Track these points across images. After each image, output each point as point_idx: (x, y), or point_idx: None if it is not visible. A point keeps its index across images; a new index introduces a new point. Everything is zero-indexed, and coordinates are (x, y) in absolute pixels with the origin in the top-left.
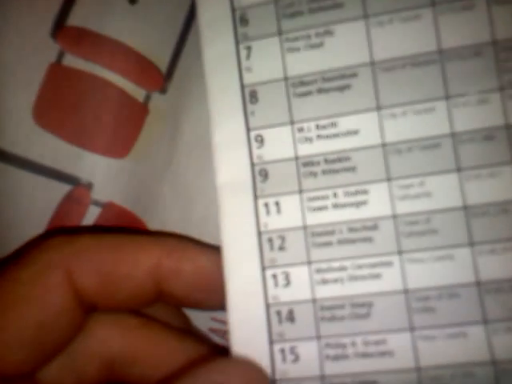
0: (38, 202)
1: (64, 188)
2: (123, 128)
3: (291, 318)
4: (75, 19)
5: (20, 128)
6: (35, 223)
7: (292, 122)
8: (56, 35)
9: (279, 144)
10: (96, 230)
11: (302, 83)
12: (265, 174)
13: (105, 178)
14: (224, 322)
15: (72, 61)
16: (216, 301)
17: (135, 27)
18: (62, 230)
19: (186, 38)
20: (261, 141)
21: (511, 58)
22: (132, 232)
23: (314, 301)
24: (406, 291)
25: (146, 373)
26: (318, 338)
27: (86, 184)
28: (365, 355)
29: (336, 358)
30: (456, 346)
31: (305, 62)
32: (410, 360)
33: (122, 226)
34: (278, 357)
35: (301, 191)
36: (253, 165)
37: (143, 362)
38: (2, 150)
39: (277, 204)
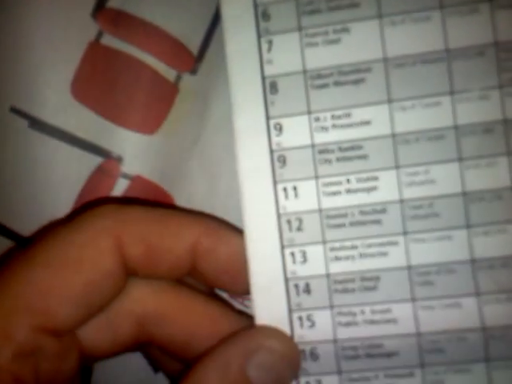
0: (71, 172)
1: (96, 160)
2: (154, 106)
3: (308, 290)
4: (114, 1)
5: (58, 101)
6: (68, 191)
7: (309, 112)
8: (96, 16)
9: (297, 132)
10: (144, 203)
11: (320, 76)
12: (283, 160)
13: (134, 152)
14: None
15: (110, 40)
16: (242, 285)
17: (169, 11)
18: (112, 199)
19: (217, 23)
20: (280, 129)
21: (510, 58)
22: (175, 208)
23: (327, 275)
24: (409, 267)
25: (175, 333)
26: (332, 307)
27: (117, 157)
28: (372, 322)
29: (347, 324)
30: (451, 315)
31: (322, 57)
32: (411, 326)
33: (151, 199)
34: (296, 323)
35: (317, 177)
36: (272, 151)
37: (173, 323)
38: (41, 121)
39: (294, 188)
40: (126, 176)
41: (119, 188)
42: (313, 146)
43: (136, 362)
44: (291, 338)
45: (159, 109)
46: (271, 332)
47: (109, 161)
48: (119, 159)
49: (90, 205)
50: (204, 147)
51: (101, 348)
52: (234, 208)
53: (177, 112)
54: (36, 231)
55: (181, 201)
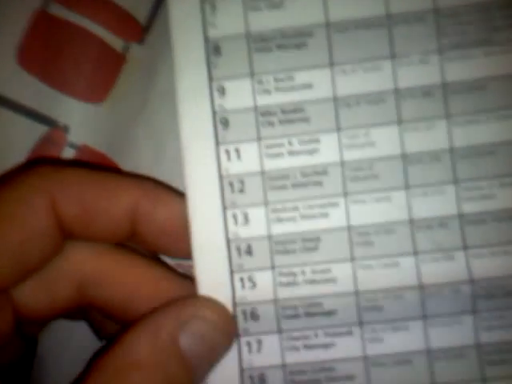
0: (16, 140)
1: (41, 129)
2: (100, 75)
3: (249, 251)
4: None
5: (4, 68)
6: (13, 159)
7: (252, 75)
8: None
9: (240, 95)
10: (79, 164)
11: (263, 39)
12: (225, 123)
13: (81, 121)
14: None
15: (57, 9)
16: (184, 248)
17: None
18: (46, 161)
19: None
20: (222, 91)
21: (449, 23)
22: (112, 171)
23: (269, 237)
24: (349, 228)
25: (115, 295)
26: (273, 268)
27: (63, 126)
28: (312, 282)
29: (288, 284)
30: (390, 274)
31: (265, 20)
32: (350, 285)
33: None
34: (237, 284)
35: (259, 139)
36: (214, 113)
37: (112, 284)
38: None
39: (237, 151)
40: (72, 145)
41: (65, 157)
42: (255, 108)
43: (81, 331)
44: (226, 308)
45: (106, 78)
46: (206, 302)
47: (55, 130)
48: (65, 128)
49: (27, 166)
50: (150, 116)
51: (38, 309)
52: (180, 175)
53: (123, 81)
54: None
55: (127, 168)
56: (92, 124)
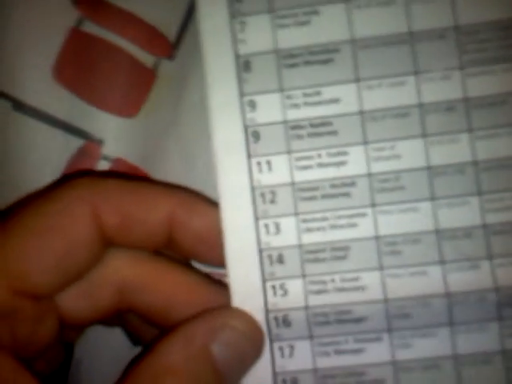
0: (53, 154)
1: (77, 142)
2: (133, 90)
3: (281, 260)
4: None
5: (40, 83)
6: (49, 172)
7: (281, 90)
8: (77, 3)
9: (270, 109)
10: (119, 175)
11: (291, 55)
12: (257, 136)
13: (115, 135)
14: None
15: (90, 27)
16: (217, 256)
17: (146, 0)
18: (84, 173)
19: (193, 10)
20: (253, 105)
21: (470, 41)
22: (150, 181)
23: (300, 246)
24: (377, 237)
25: (153, 300)
26: (303, 276)
27: (98, 140)
28: (342, 290)
29: (318, 292)
30: (417, 282)
31: (293, 37)
32: (379, 293)
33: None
34: (269, 292)
35: (289, 152)
36: (246, 127)
37: (151, 290)
38: (23, 102)
39: (268, 163)
40: (106, 158)
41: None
42: (285, 122)
43: (117, 338)
44: (255, 318)
45: (138, 93)
46: (236, 312)
47: (90, 143)
48: (100, 142)
49: (67, 178)
50: (181, 129)
51: (80, 315)
52: (210, 187)
53: (155, 96)
54: (13, 203)
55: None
56: (125, 137)
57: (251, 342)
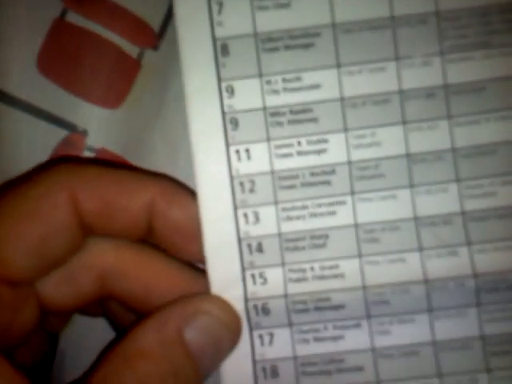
0: (37, 144)
1: (61, 133)
2: (117, 81)
3: (260, 249)
4: None
5: (24, 75)
6: (33, 163)
7: (261, 75)
8: None
9: (249, 95)
10: (99, 162)
11: (270, 39)
12: (235, 123)
13: (99, 125)
14: None
15: (74, 18)
16: (195, 250)
17: None
18: (67, 159)
19: None
20: (231, 91)
21: (451, 27)
22: (132, 169)
23: (279, 234)
24: (356, 225)
25: (134, 287)
26: (283, 264)
27: (82, 131)
28: (321, 277)
29: (297, 280)
30: (396, 269)
31: (273, 20)
32: (358, 280)
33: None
34: (249, 281)
35: (268, 139)
36: (224, 113)
37: (131, 277)
38: (7, 94)
39: (247, 151)
40: (90, 149)
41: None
42: (264, 108)
43: (101, 328)
44: (230, 304)
45: (122, 84)
46: (211, 298)
47: (74, 134)
48: (84, 132)
49: (48, 164)
50: (165, 120)
51: (62, 301)
52: (193, 176)
53: (139, 87)
54: None
55: None
56: (109, 128)
57: (226, 327)
